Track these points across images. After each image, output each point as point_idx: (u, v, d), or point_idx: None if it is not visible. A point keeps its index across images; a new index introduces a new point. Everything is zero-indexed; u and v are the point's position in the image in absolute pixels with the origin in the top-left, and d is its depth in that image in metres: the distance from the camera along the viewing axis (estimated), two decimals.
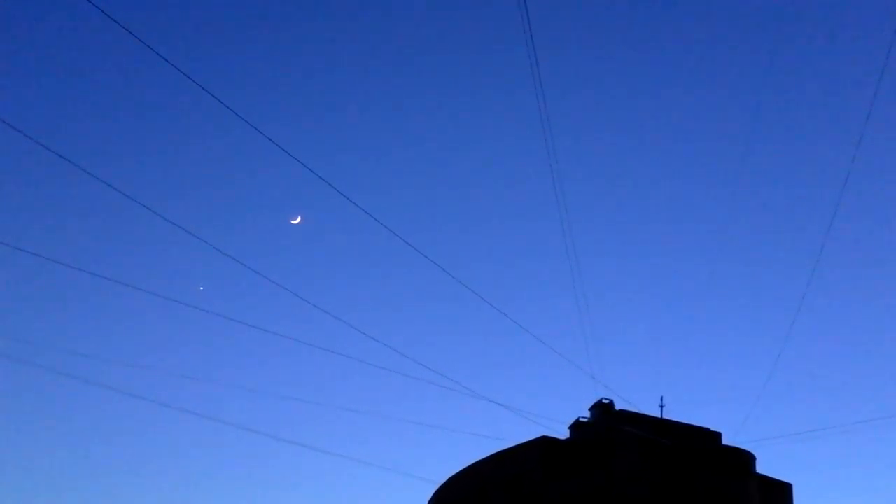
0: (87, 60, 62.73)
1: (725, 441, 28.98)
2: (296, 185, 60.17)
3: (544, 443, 27.23)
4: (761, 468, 28.66)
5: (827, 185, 57.32)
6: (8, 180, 60.11)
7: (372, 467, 67.11)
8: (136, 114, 63.96)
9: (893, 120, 54.51)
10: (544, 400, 58.31)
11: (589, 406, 29.99)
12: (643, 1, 62.58)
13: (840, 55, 60.69)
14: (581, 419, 29.68)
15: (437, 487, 31.21)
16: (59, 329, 60.27)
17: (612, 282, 63.39)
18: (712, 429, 29.27)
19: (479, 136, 65.63)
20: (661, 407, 29.86)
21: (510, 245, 65.68)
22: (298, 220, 59.44)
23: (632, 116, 64.67)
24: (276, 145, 21.41)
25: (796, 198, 63.13)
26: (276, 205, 63.73)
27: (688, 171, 65.12)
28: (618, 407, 29.49)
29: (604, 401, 29.51)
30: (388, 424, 64.95)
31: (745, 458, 28.03)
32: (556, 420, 35.64)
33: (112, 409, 59.72)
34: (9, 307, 57.97)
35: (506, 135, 64.16)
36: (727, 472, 27.25)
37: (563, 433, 29.55)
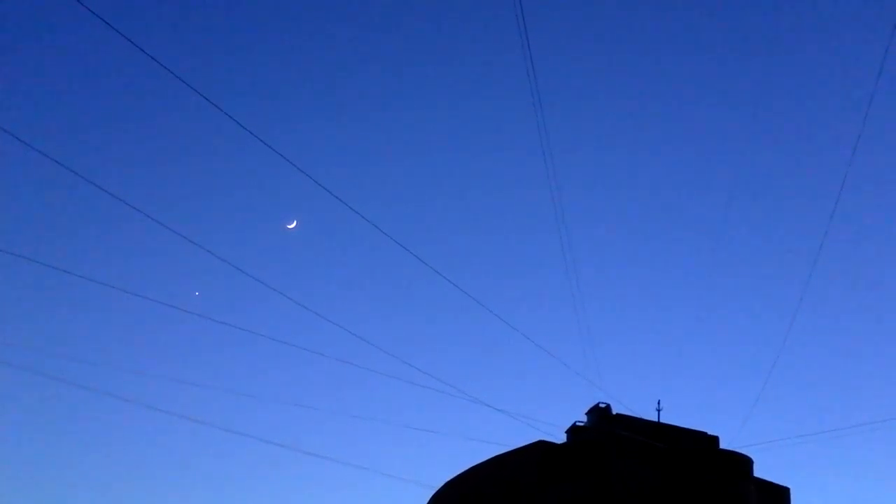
0: (84, 66, 62.71)
1: (723, 445, 28.94)
2: (292, 189, 60.13)
3: (541, 447, 27.15)
4: (759, 472, 28.63)
5: (824, 190, 57.40)
6: (6, 187, 60.02)
7: (369, 472, 66.96)
8: (132, 119, 64.02)
9: (890, 124, 54.58)
10: (541, 404, 58.21)
11: (586, 410, 29.94)
12: (641, 8, 62.67)
13: (836, 58, 60.77)
14: (578, 423, 29.61)
15: (433, 492, 31.12)
16: (55, 334, 60.13)
17: (610, 286, 63.42)
18: (710, 433, 29.23)
19: (477, 143, 65.73)
20: (659, 411, 29.85)
21: (508, 250, 65.75)
22: (294, 224, 59.40)
23: (629, 124, 64.84)
24: (273, 150, 21.40)
25: (793, 202, 63.23)
26: (271, 209, 63.73)
27: (684, 178, 65.20)
28: (615, 411, 29.43)
29: (601, 405, 29.45)
30: (385, 429, 64.81)
31: (742, 462, 27.97)
32: (553, 424, 35.56)
33: (108, 414, 59.42)
34: (8, 312, 57.86)
35: (504, 141, 64.27)
36: (724, 475, 27.18)
37: (560, 437, 29.50)
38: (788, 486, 29.74)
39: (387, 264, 62.01)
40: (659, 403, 29.90)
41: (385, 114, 65.05)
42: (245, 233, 63.62)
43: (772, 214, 63.37)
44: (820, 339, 61.13)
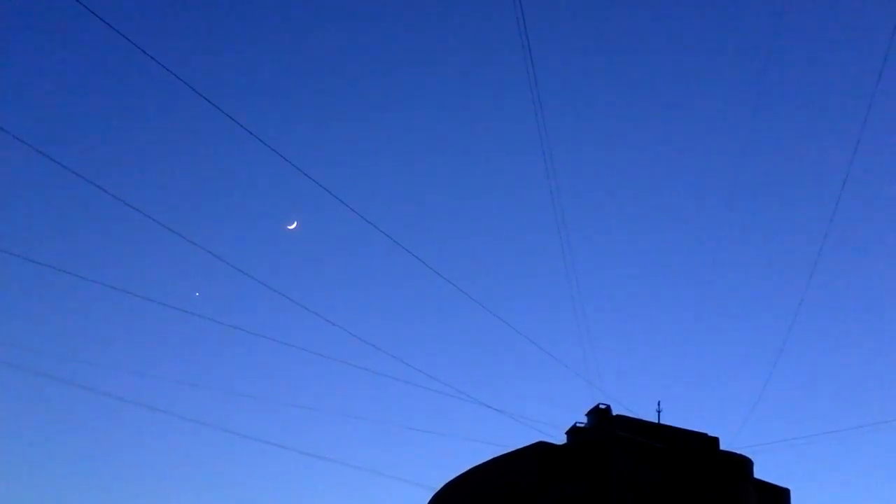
0: (83, 65, 62.72)
1: (723, 446, 28.94)
2: (292, 189, 60.07)
3: (541, 448, 27.16)
4: (759, 473, 28.63)
5: (824, 190, 57.39)
6: (6, 187, 59.98)
7: (368, 472, 66.87)
8: (132, 118, 63.94)
9: (891, 124, 54.60)
10: (541, 405, 58.10)
11: (586, 411, 29.94)
12: (641, 8, 62.70)
13: (837, 57, 60.80)
14: (578, 424, 29.63)
15: (433, 493, 31.14)
16: (55, 334, 60.11)
17: (609, 287, 63.37)
18: (709, 434, 29.23)
19: (477, 143, 65.65)
20: (659, 412, 29.82)
21: (508, 251, 65.67)
22: (294, 225, 59.38)
23: (629, 124, 64.76)
24: (272, 150, 21.41)
25: (793, 202, 63.22)
26: (271, 210, 63.68)
27: (684, 177, 65.17)
28: (615, 412, 29.43)
29: (601, 406, 29.46)
30: (385, 430, 64.73)
31: (742, 463, 27.98)
32: (553, 426, 35.59)
33: (107, 414, 59.37)
34: (7, 313, 57.84)
35: (504, 141, 64.19)
36: (724, 477, 27.19)
37: (560, 438, 29.52)
38: (788, 487, 29.77)
39: (387, 265, 62.02)
40: (659, 405, 29.90)
41: (385, 114, 65.04)
42: (245, 233, 63.59)
43: (772, 215, 63.38)
44: (820, 340, 61.13)
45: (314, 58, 64.33)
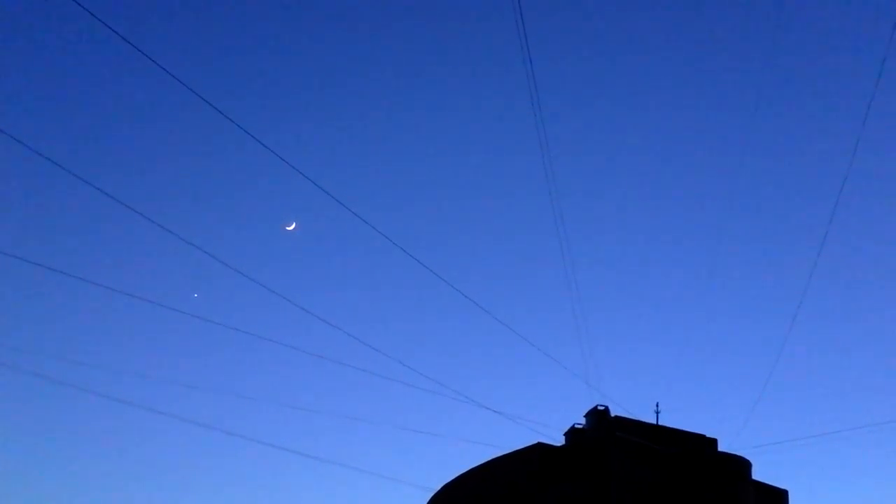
0: (81, 65, 62.74)
1: (721, 447, 28.96)
2: (291, 191, 60.05)
3: (540, 449, 27.17)
4: (758, 474, 28.66)
5: (823, 192, 57.41)
6: (6, 188, 59.99)
7: (367, 474, 66.92)
8: (130, 119, 63.91)
9: (891, 124, 54.63)
10: (540, 407, 58.19)
11: (584, 413, 29.93)
12: (640, 11, 62.71)
13: (837, 57, 60.83)
14: (576, 426, 29.62)
15: (432, 495, 31.14)
16: (54, 336, 60.13)
17: (608, 289, 63.37)
18: (708, 435, 29.25)
19: (476, 144, 65.68)
20: (657, 413, 29.84)
21: (507, 253, 65.64)
22: (293, 226, 59.40)
23: (628, 124, 64.76)
24: (271, 151, 21.44)
25: (792, 204, 63.24)
26: (270, 211, 63.68)
27: (683, 178, 65.18)
28: (613, 413, 29.44)
29: (599, 407, 29.44)
30: (384, 431, 64.78)
31: (741, 464, 27.99)
32: (551, 427, 35.61)
33: (106, 416, 59.39)
34: (7, 315, 57.85)
35: (504, 143, 64.21)
36: (723, 478, 27.20)
37: (558, 440, 29.51)
38: (787, 488, 29.81)
39: (386, 266, 62.00)
40: (658, 406, 29.92)
41: (385, 115, 65.02)
42: (244, 234, 63.59)
43: (771, 217, 63.39)
44: (819, 342, 61.13)
45: (314, 58, 64.38)
